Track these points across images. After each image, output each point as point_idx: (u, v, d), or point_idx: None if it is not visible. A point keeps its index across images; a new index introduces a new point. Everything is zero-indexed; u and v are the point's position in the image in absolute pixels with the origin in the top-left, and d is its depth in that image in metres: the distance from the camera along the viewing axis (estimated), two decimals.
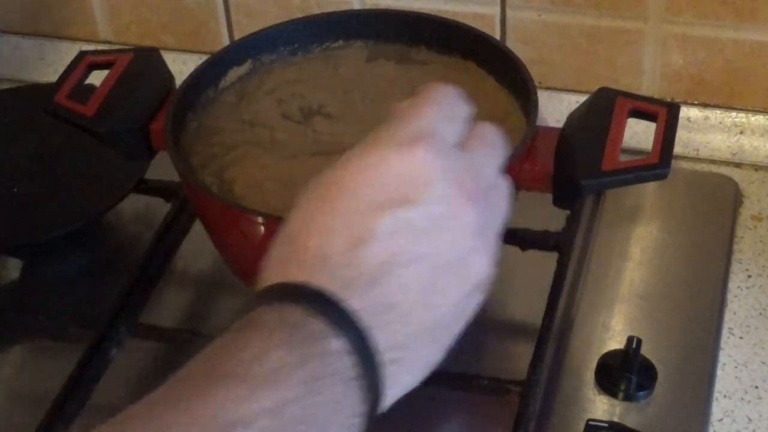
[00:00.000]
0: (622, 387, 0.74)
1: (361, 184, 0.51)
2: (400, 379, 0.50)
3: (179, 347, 0.80)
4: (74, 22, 1.10)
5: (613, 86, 0.74)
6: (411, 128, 0.52)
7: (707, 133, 0.96)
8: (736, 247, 0.87)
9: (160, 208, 0.88)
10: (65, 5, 1.10)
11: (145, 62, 0.80)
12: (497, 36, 0.97)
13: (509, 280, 0.83)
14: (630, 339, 0.74)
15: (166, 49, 0.95)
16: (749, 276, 0.84)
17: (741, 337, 0.79)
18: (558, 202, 0.72)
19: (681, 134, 0.78)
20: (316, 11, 0.95)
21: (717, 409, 0.75)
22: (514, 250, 0.82)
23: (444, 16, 0.83)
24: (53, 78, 0.82)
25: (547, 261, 0.81)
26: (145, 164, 0.86)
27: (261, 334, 0.47)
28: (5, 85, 1.07)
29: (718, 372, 0.77)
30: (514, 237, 0.81)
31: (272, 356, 0.45)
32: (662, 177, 0.69)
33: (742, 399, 0.75)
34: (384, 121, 0.54)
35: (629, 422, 0.72)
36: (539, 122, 0.72)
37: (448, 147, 0.52)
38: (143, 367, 0.79)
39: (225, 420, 0.44)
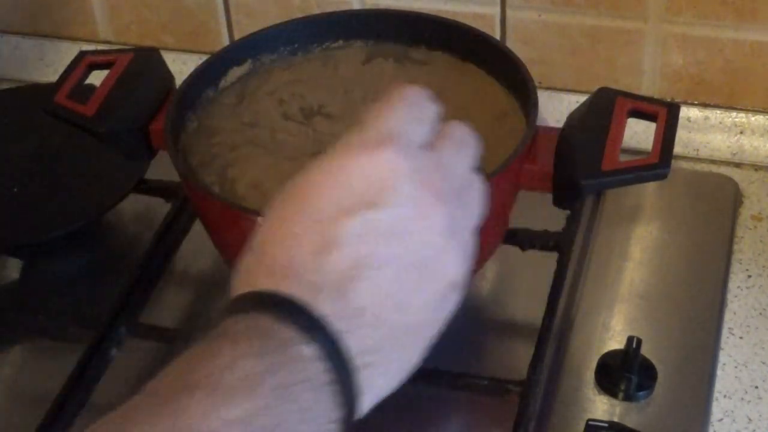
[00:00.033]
0: (622, 387, 0.74)
1: (329, 188, 0.50)
2: (375, 383, 0.50)
3: (179, 347, 0.80)
4: (74, 22, 1.10)
5: (613, 86, 0.74)
6: (378, 131, 0.52)
7: (707, 133, 0.96)
8: (736, 247, 0.87)
9: (160, 208, 0.88)
10: (65, 5, 1.10)
11: (145, 62, 0.80)
12: (497, 36, 0.97)
13: (509, 280, 0.83)
14: (630, 339, 0.74)
15: (166, 49, 0.95)
16: (749, 276, 0.84)
17: (741, 337, 0.79)
18: (558, 202, 0.72)
19: (681, 134, 0.78)
20: (316, 11, 0.95)
21: (717, 409, 0.75)
22: (514, 250, 0.82)
23: (444, 16, 0.83)
24: (53, 78, 0.82)
25: (547, 261, 0.81)
26: (145, 164, 0.86)
27: (231, 343, 0.46)
28: (5, 85, 1.06)
29: (718, 372, 0.77)
30: (514, 237, 0.81)
31: (243, 365, 0.45)
32: (662, 177, 0.69)
33: (742, 399, 0.75)
34: (353, 125, 0.53)
35: (629, 422, 0.72)
36: (539, 122, 0.72)
37: (416, 148, 0.52)
38: (143, 367, 0.79)
39: (195, 431, 0.43)
